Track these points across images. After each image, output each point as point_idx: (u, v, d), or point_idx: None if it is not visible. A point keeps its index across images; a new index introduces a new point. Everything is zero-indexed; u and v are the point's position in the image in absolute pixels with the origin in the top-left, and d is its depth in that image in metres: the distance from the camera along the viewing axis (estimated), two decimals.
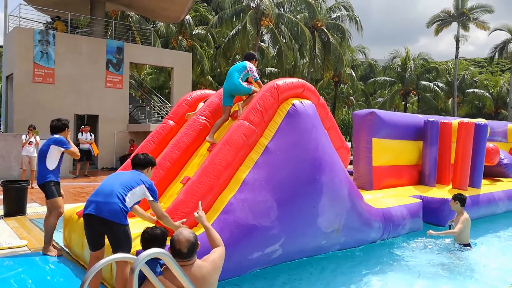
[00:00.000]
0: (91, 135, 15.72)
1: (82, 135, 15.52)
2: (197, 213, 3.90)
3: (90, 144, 15.48)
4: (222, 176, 4.64)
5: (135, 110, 21.61)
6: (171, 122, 6.14)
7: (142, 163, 4.23)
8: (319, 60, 30.50)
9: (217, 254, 3.48)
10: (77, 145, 15.69)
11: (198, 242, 3.30)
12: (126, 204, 3.80)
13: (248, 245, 4.55)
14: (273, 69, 32.69)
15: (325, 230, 5.30)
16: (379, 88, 43.38)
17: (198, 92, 6.67)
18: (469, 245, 6.63)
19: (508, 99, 42.12)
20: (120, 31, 22.90)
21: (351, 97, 41.74)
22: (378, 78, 41.24)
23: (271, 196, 4.72)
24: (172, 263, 2.83)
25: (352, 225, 5.84)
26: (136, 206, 4.17)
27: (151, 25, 30.47)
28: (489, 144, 9.93)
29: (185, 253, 3.17)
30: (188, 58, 21.76)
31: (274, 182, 4.81)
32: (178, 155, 5.38)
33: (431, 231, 6.45)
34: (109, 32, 22.12)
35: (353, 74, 36.89)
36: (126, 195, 3.82)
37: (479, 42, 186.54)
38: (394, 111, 41.32)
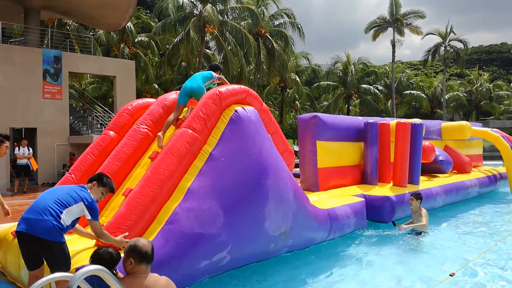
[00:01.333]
0: (29, 150, 14.89)
1: (19, 149, 14.66)
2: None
3: (29, 159, 14.68)
4: (166, 186, 4.56)
5: (76, 122, 20.76)
6: (111, 132, 5.94)
7: (90, 178, 4.15)
8: (264, 66, 30.91)
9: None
10: (15, 160, 14.82)
11: None
12: (61, 221, 3.63)
13: (196, 254, 4.49)
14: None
15: (272, 233, 5.35)
16: (323, 92, 44.71)
17: (140, 101, 6.51)
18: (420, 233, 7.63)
19: (442, 99, 44.88)
20: (58, 40, 21.98)
21: (297, 102, 42.61)
22: (322, 82, 42.45)
23: (217, 203, 4.70)
24: (112, 279, 2.75)
25: (299, 227, 5.93)
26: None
27: (91, 33, 29.51)
28: (425, 142, 10.49)
29: (151, 255, 3.29)
30: (131, 66, 21.27)
31: (219, 189, 4.79)
32: (119, 166, 5.23)
33: (402, 225, 7.73)
34: (46, 41, 21.15)
35: (298, 79, 37.72)
36: (61, 212, 3.65)
37: (414, 46, 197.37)
38: (338, 114, 42.79)
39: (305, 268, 5.77)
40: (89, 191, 3.98)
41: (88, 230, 4.29)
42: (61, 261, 3.62)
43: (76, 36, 25.67)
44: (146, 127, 5.68)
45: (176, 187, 4.69)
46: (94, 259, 3.43)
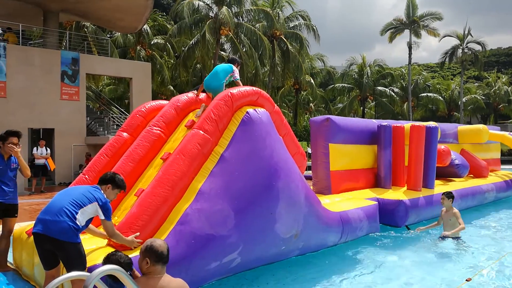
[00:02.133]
0: (46, 150, 15.17)
1: (37, 150, 14.95)
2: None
3: (46, 159, 14.94)
4: (177, 187, 4.59)
5: (93, 122, 21.07)
6: (125, 134, 6.02)
7: (102, 179, 4.17)
8: (279, 68, 30.92)
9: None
10: (32, 160, 15.11)
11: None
12: (77, 221, 3.69)
13: (206, 255, 4.51)
14: None
15: (283, 236, 5.34)
16: (338, 95, 44.47)
17: (153, 103, 6.58)
18: (459, 237, 7.40)
19: (459, 102, 44.20)
20: (76, 42, 22.38)
21: (311, 104, 42.49)
22: (336, 84, 42.26)
23: (228, 205, 4.71)
24: (128, 279, 2.79)
25: (310, 229, 5.91)
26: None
27: (108, 35, 29.93)
28: (441, 146, 10.36)
29: (167, 255, 3.35)
30: (147, 68, 21.49)
31: (230, 191, 4.81)
32: (132, 167, 5.29)
33: (420, 227, 7.71)
34: (64, 43, 21.54)
35: (313, 81, 37.64)
36: (76, 212, 3.71)
37: (431, 48, 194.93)
38: (353, 116, 42.51)
39: (316, 271, 5.76)
40: (102, 192, 4.04)
41: (101, 230, 4.35)
42: (77, 261, 3.67)
43: (94, 38, 26.09)
44: (159, 128, 5.73)
45: (187, 188, 4.72)
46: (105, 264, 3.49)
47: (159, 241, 3.43)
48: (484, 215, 10.24)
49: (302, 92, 39.47)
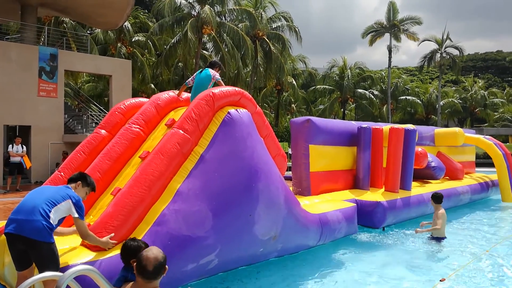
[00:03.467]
0: (22, 147, 14.78)
1: (12, 147, 14.56)
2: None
3: (22, 157, 14.56)
4: (155, 187, 4.53)
5: (71, 120, 20.65)
6: (103, 131, 5.92)
7: (72, 178, 4.10)
8: (261, 69, 30.96)
9: None
10: (8, 158, 14.72)
11: (167, 266, 2.91)
12: (51, 220, 3.61)
13: (183, 256, 4.47)
14: None
15: (262, 237, 5.33)
16: (320, 96, 44.83)
17: (132, 100, 6.48)
18: (443, 238, 7.51)
19: (437, 105, 45.13)
20: (54, 38, 21.87)
21: (293, 105, 42.69)
22: (318, 86, 42.60)
23: (206, 206, 4.68)
24: (101, 279, 2.73)
25: (289, 231, 5.91)
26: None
27: (88, 32, 29.43)
28: (418, 148, 10.53)
29: (150, 271, 2.77)
30: (128, 65, 21.20)
31: (209, 191, 4.78)
32: (109, 165, 5.20)
33: (418, 229, 7.49)
34: (42, 39, 21.05)
35: (294, 82, 37.81)
36: (50, 211, 3.62)
37: (411, 52, 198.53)
38: (334, 118, 42.88)
39: (294, 273, 5.78)
40: (73, 190, 3.96)
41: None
42: (50, 261, 3.58)
43: (73, 34, 25.61)
44: (138, 126, 5.66)
45: (165, 188, 4.67)
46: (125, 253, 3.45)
47: (154, 251, 2.87)
48: (460, 216, 10.47)
49: (284, 93, 39.61)
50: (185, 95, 6.45)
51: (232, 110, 5.35)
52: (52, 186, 4.13)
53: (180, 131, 4.93)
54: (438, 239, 7.50)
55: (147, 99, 6.41)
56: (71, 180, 4.09)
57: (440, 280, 5.48)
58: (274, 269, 5.89)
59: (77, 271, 2.57)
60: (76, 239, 4.29)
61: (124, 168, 5.37)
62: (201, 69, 6.49)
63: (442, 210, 7.56)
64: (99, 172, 5.12)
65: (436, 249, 7.20)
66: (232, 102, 5.56)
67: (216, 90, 5.43)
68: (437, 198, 7.64)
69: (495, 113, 51.35)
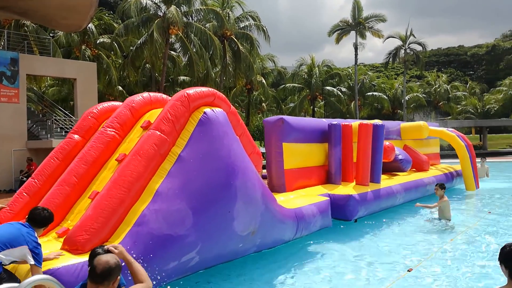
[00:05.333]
0: None
1: None
2: (116, 249, 3.17)
3: None
4: (134, 188, 4.56)
5: (34, 126, 20.02)
6: (76, 136, 5.88)
7: (39, 221, 3.81)
8: (230, 68, 30.95)
9: None
10: None
11: (120, 277, 2.85)
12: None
13: (164, 255, 4.52)
14: (186, 77, 32.56)
15: (240, 233, 5.44)
16: (289, 94, 45.22)
17: (105, 104, 6.47)
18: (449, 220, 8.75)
19: (402, 100, 46.45)
20: (15, 41, 21.17)
21: (264, 104, 42.91)
22: (287, 84, 42.95)
23: (186, 205, 4.74)
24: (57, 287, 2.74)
25: (267, 226, 6.05)
26: None
27: (50, 34, 28.63)
28: (386, 142, 10.89)
29: (97, 274, 2.72)
30: (93, 68, 20.79)
31: (188, 190, 4.84)
32: (85, 169, 5.18)
33: (418, 204, 9.07)
34: (2, 43, 20.34)
35: (264, 81, 37.99)
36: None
37: (376, 49, 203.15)
38: (304, 115, 43.40)
39: (274, 267, 5.98)
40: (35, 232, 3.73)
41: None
42: None
43: (35, 38, 24.84)
44: (113, 129, 5.64)
45: (144, 189, 4.70)
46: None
47: (108, 256, 2.83)
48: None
49: (254, 92, 39.75)
50: (157, 95, 6.45)
51: (208, 110, 5.42)
52: (11, 224, 3.85)
53: (157, 132, 4.96)
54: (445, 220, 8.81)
55: (120, 103, 6.39)
56: (36, 222, 3.81)
57: (408, 270, 5.78)
58: (253, 264, 6.05)
59: (33, 281, 2.55)
60: (57, 244, 4.27)
61: (100, 171, 5.35)
62: None
63: (445, 198, 8.75)
64: (75, 176, 5.08)
65: (404, 240, 7.55)
66: (206, 102, 5.63)
67: (191, 90, 5.48)
68: (444, 186, 8.96)
69: (458, 106, 53.34)
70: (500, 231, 7.99)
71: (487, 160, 16.92)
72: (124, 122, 5.73)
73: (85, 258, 4.01)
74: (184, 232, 4.66)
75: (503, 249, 2.83)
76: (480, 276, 5.46)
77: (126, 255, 3.20)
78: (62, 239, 4.40)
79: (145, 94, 6.30)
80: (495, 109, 55.20)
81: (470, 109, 53.24)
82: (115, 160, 5.25)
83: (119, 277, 2.83)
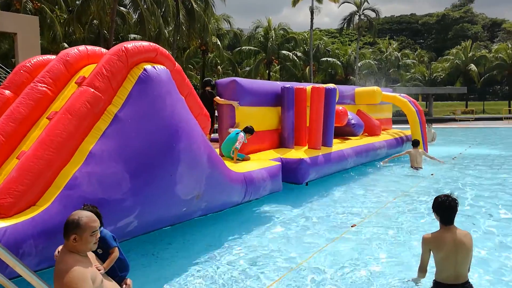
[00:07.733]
0: None
1: None
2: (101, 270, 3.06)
3: None
4: (63, 149, 4.16)
5: None
6: (7, 92, 5.29)
7: None
8: (184, 28, 29.83)
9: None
10: None
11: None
12: None
13: None
14: (136, 35, 31.05)
15: (184, 197, 5.21)
16: (245, 58, 44.54)
17: (39, 58, 5.84)
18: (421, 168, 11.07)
19: (355, 66, 47.11)
20: None
21: (219, 67, 42.07)
22: (243, 47, 42.16)
23: (123, 167, 4.41)
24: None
25: (213, 190, 5.85)
26: None
27: None
28: (339, 107, 10.89)
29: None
30: (35, 22, 19.23)
31: (126, 153, 4.50)
32: (13, 128, 4.68)
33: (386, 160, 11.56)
34: None
35: (219, 43, 37.05)
36: None
37: (333, 14, 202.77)
38: (260, 79, 42.97)
39: (219, 229, 6.00)
40: None
41: None
42: None
43: None
44: (45, 85, 5.10)
45: (76, 150, 4.31)
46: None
47: (82, 213, 2.92)
48: (378, 169, 11.23)
49: (209, 54, 38.77)
50: (95, 48, 5.91)
51: (148, 67, 5.01)
52: None
53: (90, 89, 4.53)
54: (417, 168, 10.94)
55: (53, 56, 5.81)
56: None
57: (351, 226, 6.18)
58: (198, 227, 5.96)
59: None
60: None
61: (31, 130, 4.86)
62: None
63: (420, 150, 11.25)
64: (2, 135, 4.59)
65: (348, 198, 8.02)
66: (147, 58, 5.18)
67: (129, 44, 5.02)
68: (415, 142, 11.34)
69: (407, 74, 54.88)
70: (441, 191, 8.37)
71: (433, 126, 17.56)
72: (57, 77, 5.20)
73: (9, 222, 3.69)
74: (121, 196, 4.35)
75: (436, 199, 3.56)
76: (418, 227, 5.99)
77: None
78: None
79: (81, 47, 5.73)
80: (441, 77, 57.39)
81: (418, 77, 54.96)
82: (46, 118, 4.78)
83: (79, 237, 2.78)
